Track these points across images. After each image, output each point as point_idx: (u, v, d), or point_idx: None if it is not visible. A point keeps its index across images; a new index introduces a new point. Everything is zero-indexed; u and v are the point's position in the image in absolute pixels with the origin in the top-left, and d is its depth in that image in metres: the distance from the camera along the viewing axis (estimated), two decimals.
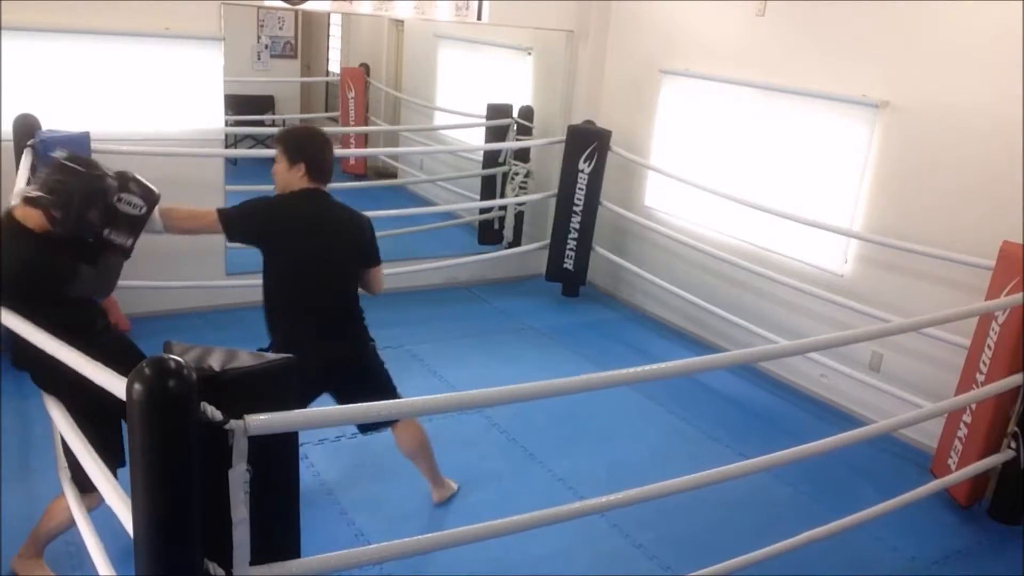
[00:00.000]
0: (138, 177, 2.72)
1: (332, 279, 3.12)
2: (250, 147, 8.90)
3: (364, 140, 8.99)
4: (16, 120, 4.16)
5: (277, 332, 3.09)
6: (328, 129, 9.34)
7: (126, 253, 2.71)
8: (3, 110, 4.31)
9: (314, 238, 3.02)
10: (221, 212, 3.00)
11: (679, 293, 5.49)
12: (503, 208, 6.59)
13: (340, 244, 3.10)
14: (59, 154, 2.66)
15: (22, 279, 2.50)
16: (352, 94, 8.75)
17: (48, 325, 2.34)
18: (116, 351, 2.48)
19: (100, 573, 2.22)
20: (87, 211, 2.57)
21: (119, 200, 2.63)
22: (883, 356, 4.52)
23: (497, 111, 6.82)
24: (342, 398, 3.11)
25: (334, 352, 3.10)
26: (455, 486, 3.63)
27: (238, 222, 3.00)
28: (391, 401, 2.03)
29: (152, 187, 2.74)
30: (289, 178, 3.01)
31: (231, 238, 3.11)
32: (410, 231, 6.60)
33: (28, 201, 2.56)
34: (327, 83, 10.22)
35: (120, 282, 4.65)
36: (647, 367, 2.48)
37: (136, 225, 2.70)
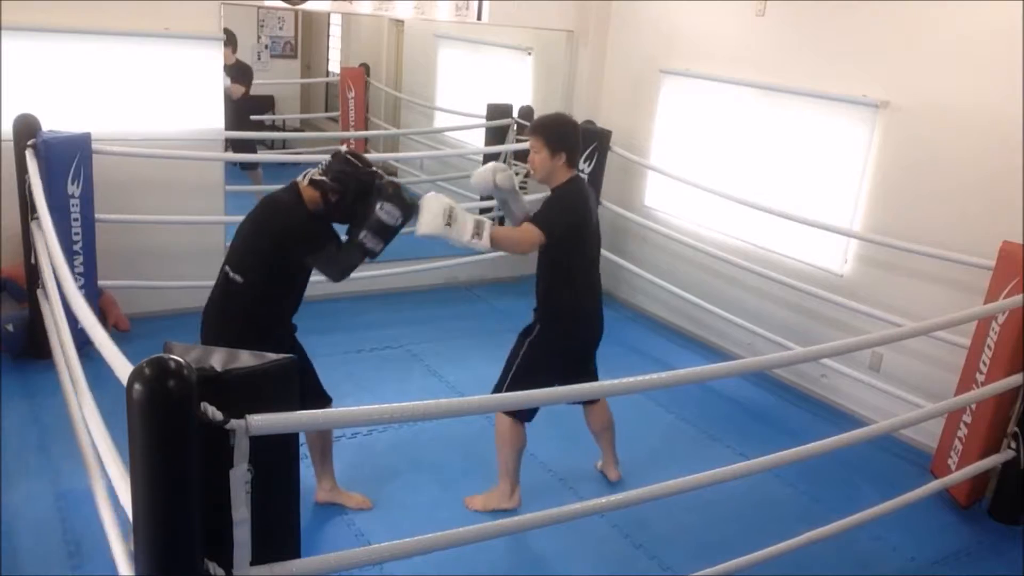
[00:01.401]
0: (401, 191, 2.94)
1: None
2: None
3: (364, 142, 8.99)
4: (16, 120, 4.16)
5: (581, 316, 3.40)
6: (328, 134, 9.41)
7: (372, 254, 2.98)
8: (3, 110, 4.31)
9: (596, 221, 3.43)
10: (541, 228, 3.18)
11: (679, 293, 5.49)
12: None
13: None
14: (343, 148, 3.03)
15: (289, 237, 2.91)
16: (352, 94, 8.75)
17: (269, 291, 2.96)
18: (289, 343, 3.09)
19: None
20: (358, 201, 2.93)
21: (381, 208, 2.89)
22: (883, 356, 4.52)
23: (497, 111, 6.82)
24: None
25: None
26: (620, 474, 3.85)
27: (559, 228, 3.22)
28: (394, 405, 2.04)
29: (412, 201, 2.97)
30: (552, 167, 3.27)
31: (552, 241, 3.24)
32: (410, 231, 6.59)
33: (314, 183, 2.94)
34: (327, 83, 10.22)
35: (120, 282, 4.72)
36: (659, 375, 2.49)
37: (390, 233, 2.96)
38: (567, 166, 3.28)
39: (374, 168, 3.02)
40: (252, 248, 2.98)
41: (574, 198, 3.30)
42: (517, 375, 3.36)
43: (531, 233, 3.18)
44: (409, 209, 2.95)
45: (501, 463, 3.49)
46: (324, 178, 2.93)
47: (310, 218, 2.97)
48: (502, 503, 3.50)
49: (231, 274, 2.98)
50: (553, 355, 3.38)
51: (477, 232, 3.07)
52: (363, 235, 2.92)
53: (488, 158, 6.77)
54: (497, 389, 3.41)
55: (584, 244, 3.34)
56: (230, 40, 6.91)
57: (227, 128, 5.25)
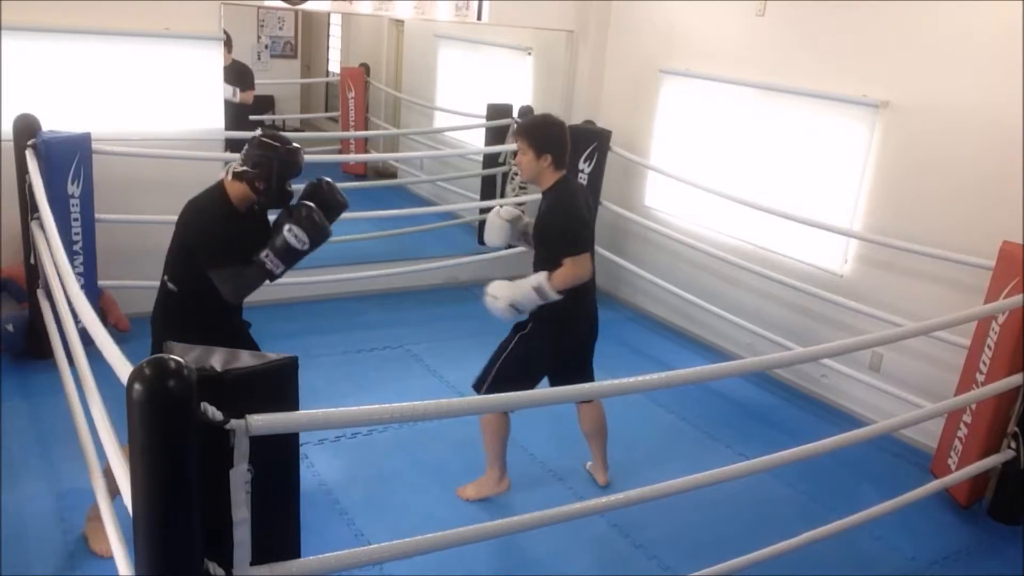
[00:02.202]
0: (314, 215, 2.86)
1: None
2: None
3: (364, 142, 9.00)
4: (16, 120, 4.16)
5: (576, 314, 3.38)
6: (329, 134, 9.42)
7: (272, 277, 2.88)
8: (3, 110, 4.31)
9: (591, 223, 3.43)
10: (577, 252, 3.20)
11: (679, 293, 5.49)
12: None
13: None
14: (257, 132, 2.91)
15: (197, 244, 2.82)
16: (352, 94, 8.76)
17: (205, 299, 2.83)
18: (238, 340, 2.94)
19: None
20: (284, 181, 2.84)
21: (289, 230, 2.81)
22: (883, 356, 4.52)
23: (497, 111, 6.82)
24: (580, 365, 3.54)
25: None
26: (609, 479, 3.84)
27: (585, 243, 3.25)
28: (394, 405, 2.05)
29: (323, 226, 2.88)
30: (537, 169, 3.25)
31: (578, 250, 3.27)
32: (410, 231, 6.61)
33: (236, 175, 2.83)
34: (327, 83, 10.23)
35: (120, 282, 4.72)
36: (659, 375, 2.48)
37: (294, 257, 2.86)
38: (554, 168, 3.25)
39: (294, 145, 2.87)
40: (177, 257, 2.89)
41: (570, 203, 3.27)
42: (504, 367, 3.37)
43: (575, 264, 3.20)
44: (319, 234, 2.85)
45: (487, 450, 3.52)
46: (246, 168, 2.81)
47: (226, 222, 2.84)
48: (492, 489, 3.55)
49: (169, 284, 2.90)
50: (544, 353, 3.39)
51: (539, 292, 3.16)
52: (266, 255, 2.82)
53: (488, 158, 6.79)
54: (482, 378, 3.42)
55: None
56: (226, 41, 6.92)
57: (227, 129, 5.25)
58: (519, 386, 3.03)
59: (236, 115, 6.52)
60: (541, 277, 3.17)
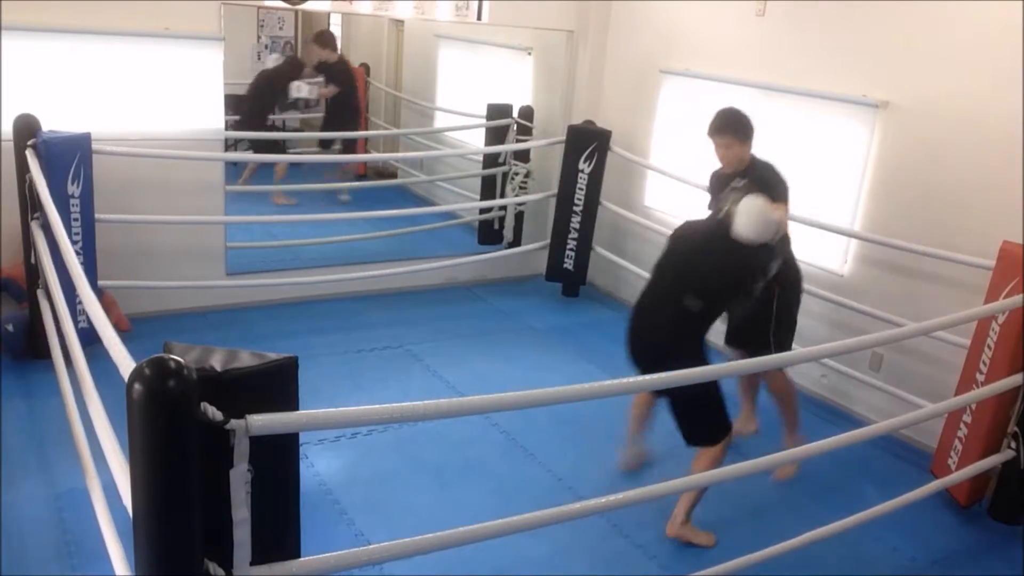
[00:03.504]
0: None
1: None
2: (246, 149, 8.89)
3: (364, 141, 8.99)
4: (16, 120, 4.16)
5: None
6: (328, 134, 9.40)
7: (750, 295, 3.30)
8: (3, 110, 4.31)
9: None
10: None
11: None
12: (503, 208, 6.58)
13: None
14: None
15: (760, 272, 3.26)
16: None
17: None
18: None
19: None
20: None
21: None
22: (883, 356, 4.52)
23: (497, 111, 6.82)
24: None
25: None
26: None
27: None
28: (394, 405, 2.05)
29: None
30: (743, 154, 3.66)
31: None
32: (410, 231, 6.60)
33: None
34: None
35: (120, 282, 4.72)
36: (659, 375, 2.49)
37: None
38: (751, 148, 3.65)
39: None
40: (729, 282, 3.25)
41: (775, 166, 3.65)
42: (780, 330, 3.72)
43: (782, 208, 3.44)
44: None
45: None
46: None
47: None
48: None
49: (690, 302, 3.28)
50: (794, 311, 3.80)
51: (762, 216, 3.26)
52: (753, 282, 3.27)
53: (488, 158, 6.79)
54: (777, 345, 3.69)
55: None
56: (330, 41, 7.33)
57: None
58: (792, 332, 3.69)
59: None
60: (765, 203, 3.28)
